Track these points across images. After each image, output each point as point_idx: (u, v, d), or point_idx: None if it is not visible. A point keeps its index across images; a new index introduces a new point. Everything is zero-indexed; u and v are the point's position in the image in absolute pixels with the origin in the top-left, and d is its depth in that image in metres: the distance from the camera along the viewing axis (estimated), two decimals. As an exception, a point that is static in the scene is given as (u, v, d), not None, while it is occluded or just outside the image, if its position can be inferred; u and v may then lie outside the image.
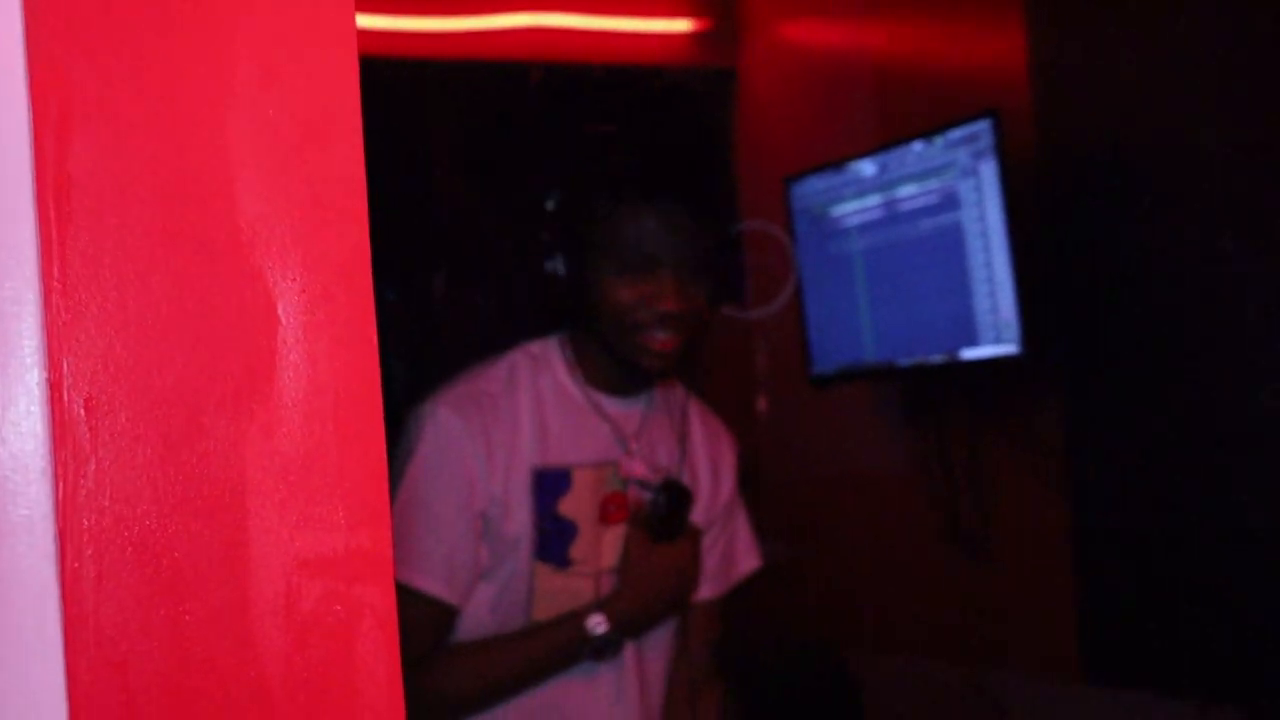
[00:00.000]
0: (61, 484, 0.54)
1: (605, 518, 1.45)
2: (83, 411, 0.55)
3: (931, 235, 2.44)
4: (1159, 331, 2.20)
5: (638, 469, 1.48)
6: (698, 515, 1.53)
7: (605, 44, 3.06)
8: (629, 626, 1.44)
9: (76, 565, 0.54)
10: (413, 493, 1.35)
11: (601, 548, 1.45)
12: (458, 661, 1.40)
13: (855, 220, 2.63)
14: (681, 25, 3.19)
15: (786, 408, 3.15)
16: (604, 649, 1.41)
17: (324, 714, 0.59)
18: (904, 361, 2.54)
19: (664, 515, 1.44)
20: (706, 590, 1.58)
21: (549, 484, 1.41)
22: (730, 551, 1.63)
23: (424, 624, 1.38)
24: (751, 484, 3.20)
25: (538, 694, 1.43)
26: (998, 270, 2.30)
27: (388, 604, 0.61)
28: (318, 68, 0.60)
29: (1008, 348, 2.30)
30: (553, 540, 1.42)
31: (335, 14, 0.60)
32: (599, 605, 1.41)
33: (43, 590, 0.53)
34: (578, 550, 1.43)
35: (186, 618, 0.56)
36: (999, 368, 2.35)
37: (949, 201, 2.40)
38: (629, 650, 1.47)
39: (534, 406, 1.42)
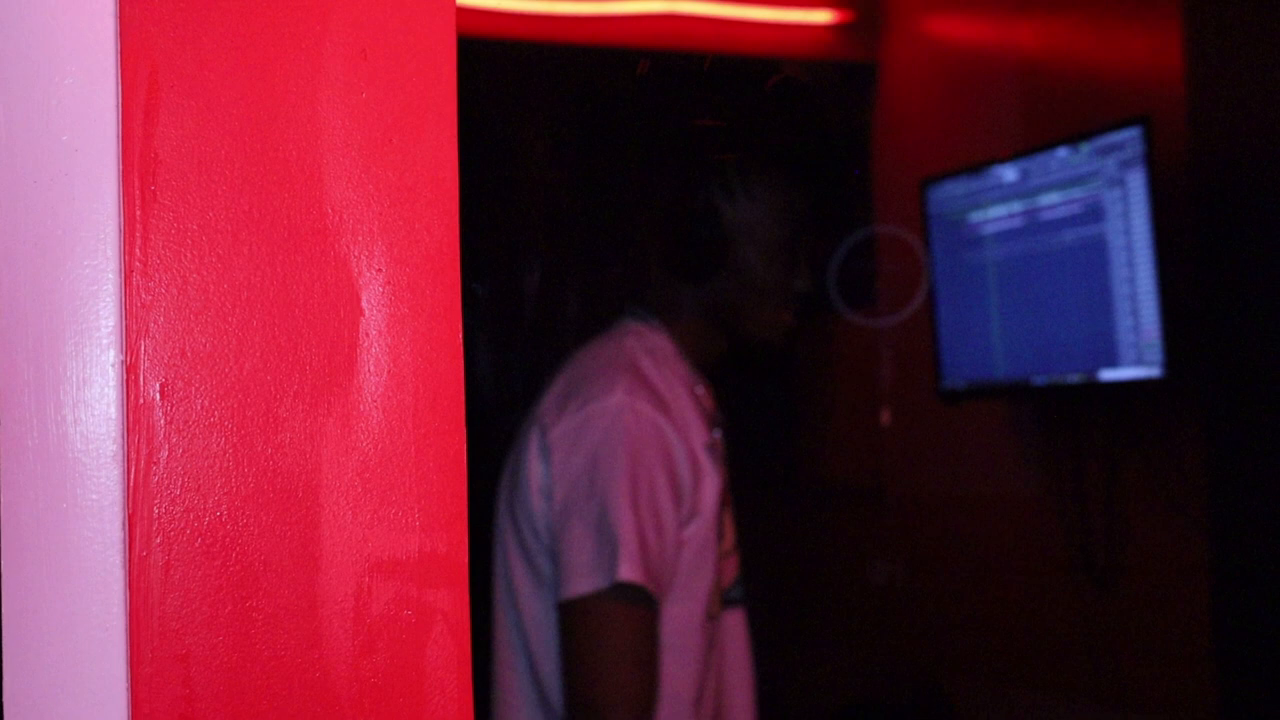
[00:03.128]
0: (133, 469, 0.53)
1: (724, 500, 1.43)
2: (158, 396, 0.53)
3: (1073, 247, 2.33)
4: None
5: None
6: None
7: (742, 34, 3.00)
8: None
9: (144, 554, 0.53)
10: (635, 492, 1.29)
11: (724, 529, 1.42)
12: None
13: (993, 228, 2.53)
14: (822, 16, 3.12)
15: (912, 421, 3.06)
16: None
17: (388, 723, 0.57)
18: (1038, 380, 2.44)
19: None
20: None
21: (715, 457, 1.39)
22: None
23: (654, 628, 1.29)
24: (872, 498, 3.13)
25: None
26: (1141, 288, 2.18)
27: (460, 611, 0.58)
28: (414, 49, 0.58)
29: (1150, 370, 2.18)
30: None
31: (433, -6, 0.58)
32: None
33: (107, 578, 0.52)
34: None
35: (253, 614, 0.55)
36: (1139, 390, 2.23)
37: (1093, 212, 2.29)
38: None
39: (677, 384, 1.39)
